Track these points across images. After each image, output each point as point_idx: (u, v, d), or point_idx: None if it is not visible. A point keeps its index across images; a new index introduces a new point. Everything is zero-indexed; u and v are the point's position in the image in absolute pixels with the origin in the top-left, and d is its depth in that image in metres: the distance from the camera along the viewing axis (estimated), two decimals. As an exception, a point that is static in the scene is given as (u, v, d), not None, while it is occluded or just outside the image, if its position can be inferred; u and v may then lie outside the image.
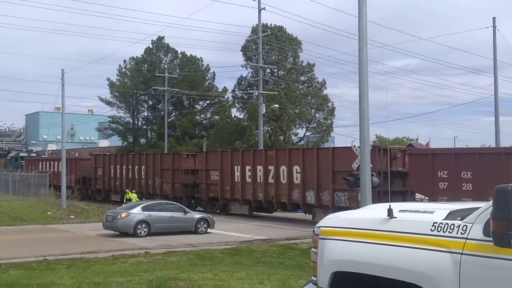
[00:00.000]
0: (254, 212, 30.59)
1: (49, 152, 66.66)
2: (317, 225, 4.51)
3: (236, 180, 30.50)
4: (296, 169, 27.27)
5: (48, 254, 16.00)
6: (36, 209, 29.87)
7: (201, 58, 56.76)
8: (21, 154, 56.97)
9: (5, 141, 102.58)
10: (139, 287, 7.86)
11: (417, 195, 24.22)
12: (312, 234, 4.49)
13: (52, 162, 45.90)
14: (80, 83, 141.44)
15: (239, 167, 30.34)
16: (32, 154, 58.12)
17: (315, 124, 49.35)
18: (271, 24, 48.04)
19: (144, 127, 59.46)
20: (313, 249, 4.45)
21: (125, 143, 58.38)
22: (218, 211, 31.49)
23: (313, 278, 4.41)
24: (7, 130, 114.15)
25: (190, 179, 33.66)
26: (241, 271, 10.43)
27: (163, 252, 17.09)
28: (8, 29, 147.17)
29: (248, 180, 29.74)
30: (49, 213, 29.19)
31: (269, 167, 28.62)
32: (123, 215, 21.29)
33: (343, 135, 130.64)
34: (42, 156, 58.42)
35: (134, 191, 31.05)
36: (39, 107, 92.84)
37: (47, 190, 35.74)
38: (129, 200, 27.99)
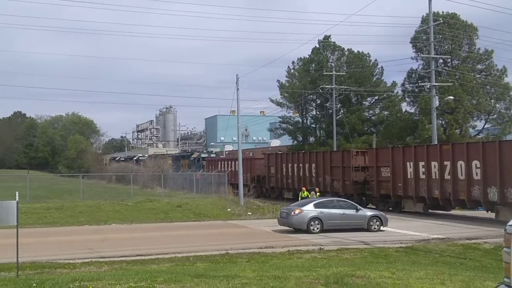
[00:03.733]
0: (430, 210, 29.26)
1: (226, 152, 71.09)
2: (510, 223, 4.17)
3: (409, 176, 29.48)
4: (476, 164, 25.47)
5: (230, 248, 17.10)
6: (217, 206, 32.01)
7: (368, 53, 56.07)
8: (202, 155, 61.49)
9: (188, 144, 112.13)
10: (317, 282, 8.02)
11: None
12: (503, 233, 4.16)
13: (229, 162, 48.92)
14: (252, 87, 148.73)
15: (411, 163, 29.26)
16: (212, 155, 62.40)
17: (495, 116, 45.62)
18: (442, 12, 45.61)
19: (313, 125, 60.31)
20: (505, 249, 4.12)
21: (295, 142, 59.84)
22: (390, 208, 30.74)
23: (505, 279, 4.09)
24: (189, 133, 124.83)
25: (361, 176, 33.34)
26: (419, 270, 10.05)
27: (336, 249, 17.19)
28: (188, 41, 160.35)
29: (422, 176, 28.55)
30: (229, 209, 31.11)
31: (445, 163, 27.14)
32: (297, 211, 21.87)
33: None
34: (221, 157, 62.48)
35: (317, 188, 31.64)
36: (217, 111, 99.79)
37: (226, 188, 38.12)
38: (304, 198, 28.72)
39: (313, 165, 37.56)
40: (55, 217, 27.28)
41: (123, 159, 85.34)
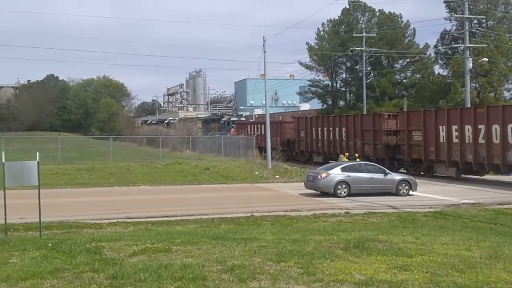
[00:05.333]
0: (462, 175, 28.63)
1: (256, 116, 70.83)
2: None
3: (441, 140, 28.77)
4: (511, 128, 24.64)
5: (255, 211, 17.09)
6: (245, 169, 32.01)
7: (400, 14, 54.39)
8: (232, 119, 61.39)
9: (218, 107, 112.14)
10: (336, 246, 7.84)
11: None
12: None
13: (259, 126, 48.61)
14: (282, 50, 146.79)
15: (444, 126, 28.52)
16: (242, 118, 62.28)
17: (531, 78, 43.95)
18: (479, -30, 43.68)
19: (343, 89, 59.42)
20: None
21: (324, 105, 59.13)
22: (422, 173, 30.20)
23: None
24: (219, 97, 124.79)
25: (392, 140, 32.66)
26: (445, 235, 9.76)
27: (363, 213, 17.00)
28: (216, 4, 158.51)
29: (455, 140, 27.84)
30: (256, 172, 31.08)
31: (479, 126, 26.37)
32: (324, 175, 21.66)
33: None
34: (250, 120, 62.27)
35: (357, 154, 30.84)
36: (246, 74, 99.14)
37: (254, 151, 38.02)
38: None
39: (344, 128, 36.87)
40: (86, 178, 27.70)
41: (155, 122, 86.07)
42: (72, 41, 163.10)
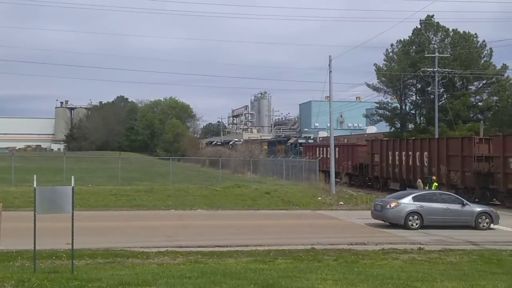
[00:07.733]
0: None
1: (320, 139, 69.04)
2: None
3: (545, 168, 25.47)
4: None
5: (316, 243, 15.56)
6: (307, 194, 30.46)
7: (475, 34, 51.32)
8: (300, 141, 59.87)
9: (282, 129, 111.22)
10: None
11: None
12: None
13: (327, 148, 46.59)
14: (349, 71, 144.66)
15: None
16: (310, 141, 60.47)
17: None
18: None
19: (412, 111, 56.67)
20: None
21: (392, 128, 56.64)
22: (519, 206, 27.18)
23: None
24: (283, 119, 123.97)
25: (484, 167, 29.24)
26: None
27: (439, 250, 15.11)
28: (283, 26, 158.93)
29: None
30: (319, 198, 29.46)
31: None
32: (393, 204, 19.80)
33: None
34: (318, 143, 60.37)
35: (434, 177, 28.35)
36: (311, 97, 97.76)
37: (317, 175, 36.40)
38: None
39: (425, 153, 33.60)
40: (144, 200, 27.11)
41: (220, 143, 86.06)
42: (141, 62, 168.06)
